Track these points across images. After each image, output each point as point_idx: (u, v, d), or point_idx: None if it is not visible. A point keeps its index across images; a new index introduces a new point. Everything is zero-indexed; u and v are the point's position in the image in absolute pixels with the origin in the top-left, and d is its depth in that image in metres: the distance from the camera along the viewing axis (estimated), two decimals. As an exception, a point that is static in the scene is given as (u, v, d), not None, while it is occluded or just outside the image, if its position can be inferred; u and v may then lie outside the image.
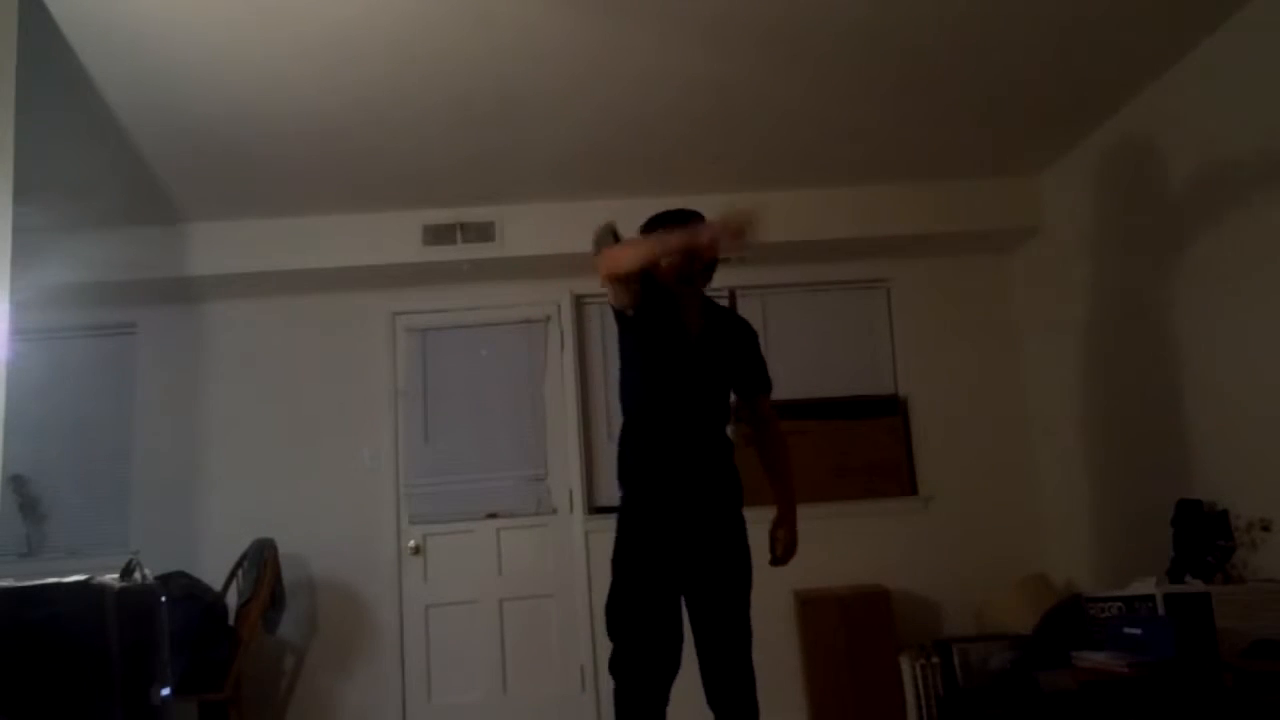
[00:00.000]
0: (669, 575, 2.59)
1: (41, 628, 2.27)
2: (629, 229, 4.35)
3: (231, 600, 4.08)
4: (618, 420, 2.95)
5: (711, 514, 2.67)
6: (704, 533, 2.64)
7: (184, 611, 3.65)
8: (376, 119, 3.56)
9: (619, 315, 2.71)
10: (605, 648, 2.65)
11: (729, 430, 2.80)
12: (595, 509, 4.64)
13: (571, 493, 4.65)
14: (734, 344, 2.84)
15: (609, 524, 2.79)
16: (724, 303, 4.87)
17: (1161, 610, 3.01)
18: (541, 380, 4.78)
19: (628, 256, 2.51)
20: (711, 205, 4.45)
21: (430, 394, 4.76)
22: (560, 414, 4.73)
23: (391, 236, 4.46)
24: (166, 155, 3.74)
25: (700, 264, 2.67)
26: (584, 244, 3.00)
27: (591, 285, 2.77)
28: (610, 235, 2.65)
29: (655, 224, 2.73)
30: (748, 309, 4.90)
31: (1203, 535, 3.25)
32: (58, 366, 4.52)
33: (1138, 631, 3.00)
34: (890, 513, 4.67)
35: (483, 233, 4.48)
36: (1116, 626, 3.11)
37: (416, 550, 4.61)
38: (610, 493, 4.48)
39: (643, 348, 2.69)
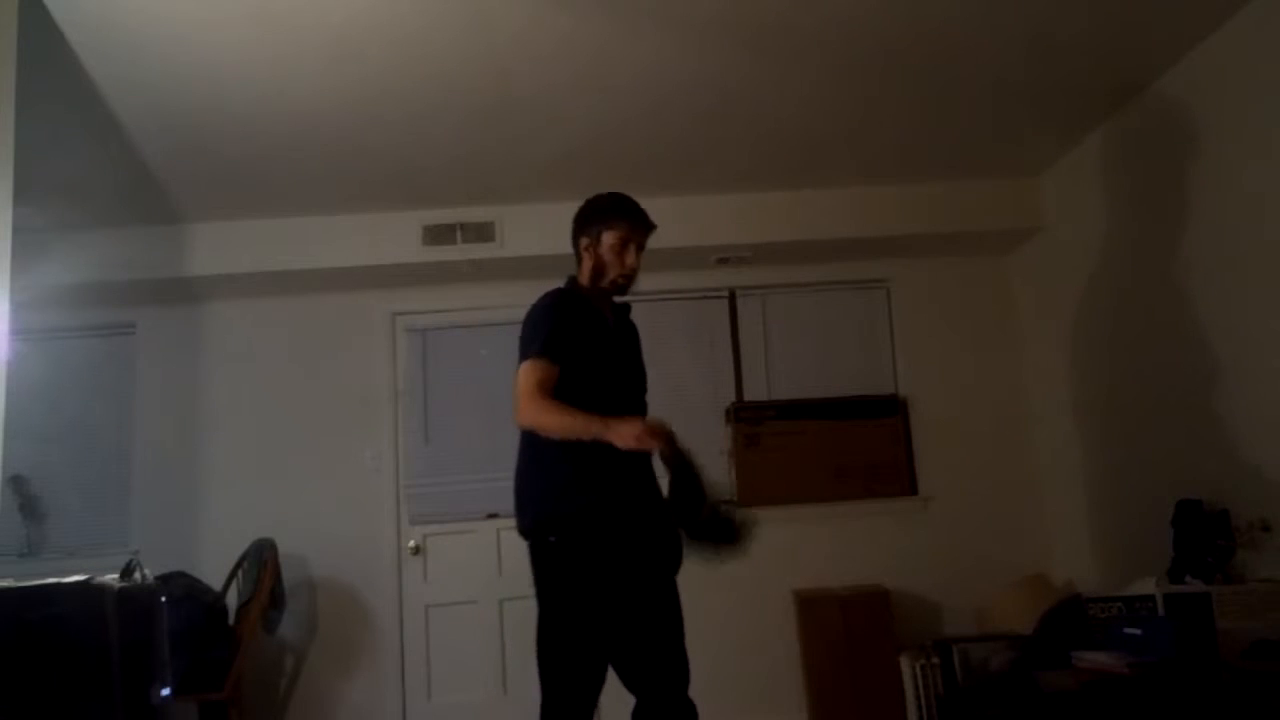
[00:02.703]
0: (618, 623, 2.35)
1: (42, 628, 2.28)
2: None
3: (231, 600, 4.08)
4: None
5: (668, 541, 2.43)
6: (661, 565, 2.40)
7: (184, 611, 3.66)
8: (376, 119, 3.56)
9: None
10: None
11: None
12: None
13: (571, 493, 4.65)
14: (634, 341, 2.66)
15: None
16: (724, 302, 4.94)
17: (1161, 610, 3.02)
18: (541, 380, 4.76)
19: (556, 425, 2.33)
20: (713, 205, 4.56)
21: (430, 394, 4.76)
22: (560, 414, 4.72)
23: (391, 236, 4.46)
24: (166, 155, 3.74)
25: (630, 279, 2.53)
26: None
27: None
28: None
29: (612, 208, 2.54)
30: (748, 309, 4.92)
31: (1203, 535, 3.24)
32: (58, 366, 4.53)
33: (1138, 631, 3.00)
34: (890, 513, 4.67)
35: (483, 233, 4.48)
36: (1116, 626, 3.11)
37: (416, 550, 4.61)
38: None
39: (579, 360, 2.43)
